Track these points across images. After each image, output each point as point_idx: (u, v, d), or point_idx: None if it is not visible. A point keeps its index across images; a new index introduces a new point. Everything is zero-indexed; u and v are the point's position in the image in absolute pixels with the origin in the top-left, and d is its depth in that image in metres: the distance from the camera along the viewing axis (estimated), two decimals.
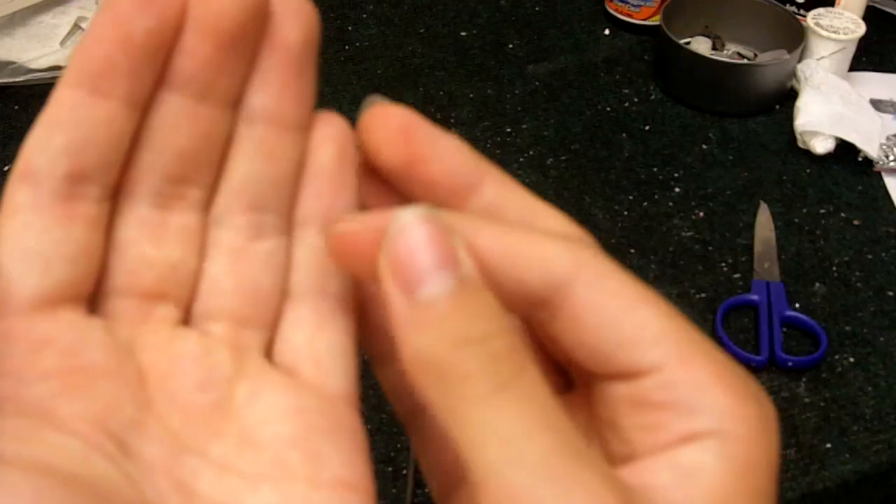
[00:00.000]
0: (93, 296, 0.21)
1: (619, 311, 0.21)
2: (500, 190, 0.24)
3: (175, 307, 0.22)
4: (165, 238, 0.22)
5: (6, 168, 0.83)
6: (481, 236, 0.21)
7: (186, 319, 0.23)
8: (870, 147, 0.83)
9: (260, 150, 0.23)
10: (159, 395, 0.21)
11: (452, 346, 0.19)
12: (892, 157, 0.84)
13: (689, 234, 0.78)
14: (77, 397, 0.19)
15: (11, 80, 0.91)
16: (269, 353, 0.24)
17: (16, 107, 0.90)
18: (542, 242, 0.21)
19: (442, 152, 0.24)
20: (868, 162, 0.84)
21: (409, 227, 0.20)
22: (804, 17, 0.92)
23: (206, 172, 0.22)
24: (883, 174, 0.84)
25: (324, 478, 0.21)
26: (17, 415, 0.19)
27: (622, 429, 0.21)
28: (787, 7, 0.97)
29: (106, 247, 0.21)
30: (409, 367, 0.19)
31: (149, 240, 0.22)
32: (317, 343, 0.25)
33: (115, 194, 0.22)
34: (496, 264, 0.21)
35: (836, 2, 0.93)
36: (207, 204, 0.23)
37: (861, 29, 0.90)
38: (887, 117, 0.90)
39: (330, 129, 0.27)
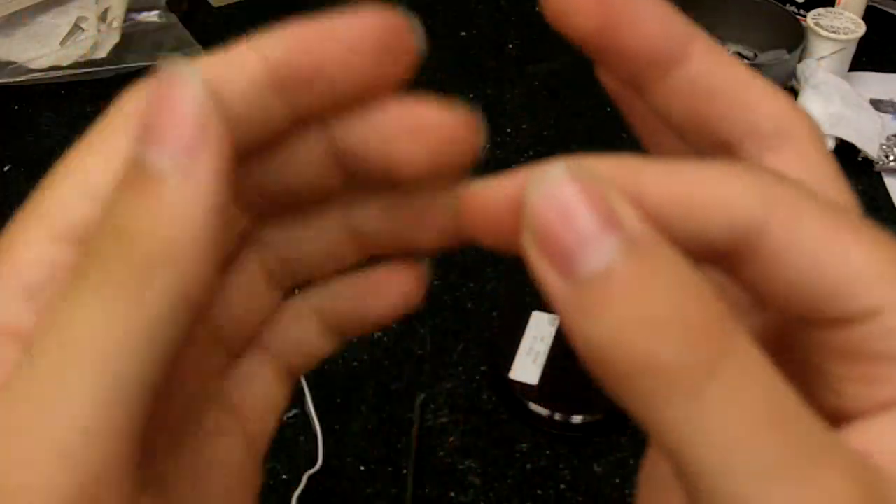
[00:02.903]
0: None
1: (825, 254, 0.17)
2: (708, 61, 0.20)
3: None
4: None
5: (6, 168, 0.83)
6: (644, 182, 0.17)
7: None
8: (870, 147, 0.83)
9: None
10: None
11: (637, 332, 0.15)
12: (892, 157, 0.84)
13: None
14: None
15: (11, 80, 0.91)
16: None
17: (16, 107, 0.90)
18: (721, 181, 0.17)
19: (642, 16, 0.19)
20: (868, 162, 0.84)
21: (551, 189, 0.16)
22: (804, 17, 0.92)
23: None
24: (883, 174, 0.84)
25: None
26: None
27: (835, 380, 0.18)
28: (787, 7, 0.97)
29: None
30: (587, 361, 0.16)
31: None
32: None
33: None
34: (666, 215, 0.17)
35: (836, 2, 0.93)
36: None
37: (861, 29, 0.90)
38: (887, 117, 0.90)
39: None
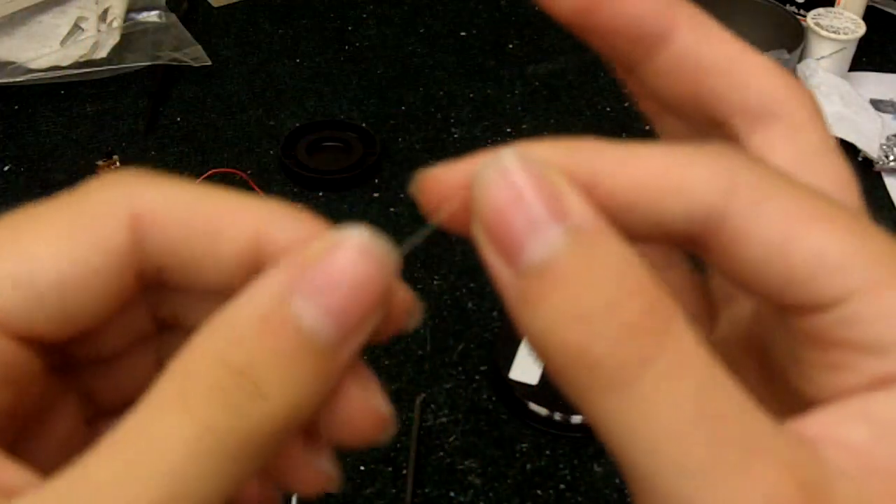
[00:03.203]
0: None
1: (787, 241, 0.16)
2: (695, 37, 0.19)
3: None
4: None
5: (6, 168, 0.83)
6: (601, 167, 0.17)
7: None
8: (870, 147, 0.83)
9: None
10: None
11: (570, 325, 0.15)
12: (892, 157, 0.84)
13: None
14: None
15: (11, 80, 0.91)
16: None
17: (16, 107, 0.90)
18: (681, 167, 0.17)
19: None
20: (868, 162, 0.84)
21: (497, 177, 0.16)
22: (804, 17, 0.92)
23: None
24: (883, 174, 0.84)
25: None
26: None
27: (806, 366, 0.17)
28: (787, 7, 0.97)
29: None
30: (532, 348, 0.16)
31: None
32: None
33: None
34: (622, 201, 0.17)
35: (836, 2, 0.93)
36: None
37: (861, 29, 0.90)
38: (887, 117, 0.90)
39: None
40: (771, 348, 0.19)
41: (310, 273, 0.17)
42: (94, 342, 0.21)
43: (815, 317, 0.17)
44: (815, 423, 0.17)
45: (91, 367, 0.22)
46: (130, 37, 0.96)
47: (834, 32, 0.89)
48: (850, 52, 0.91)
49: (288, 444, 0.19)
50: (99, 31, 0.95)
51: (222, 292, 0.19)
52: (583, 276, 0.15)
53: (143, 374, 0.22)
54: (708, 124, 0.20)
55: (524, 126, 0.89)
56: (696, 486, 0.15)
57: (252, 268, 0.19)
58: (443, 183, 0.18)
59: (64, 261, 0.18)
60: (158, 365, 0.22)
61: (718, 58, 0.19)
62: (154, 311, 0.22)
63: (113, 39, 0.94)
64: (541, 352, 0.16)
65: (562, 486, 0.60)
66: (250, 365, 0.16)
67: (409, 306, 0.19)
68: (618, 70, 0.21)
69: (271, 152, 0.85)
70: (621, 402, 0.15)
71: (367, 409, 0.18)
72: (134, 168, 0.20)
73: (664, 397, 0.15)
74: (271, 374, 0.16)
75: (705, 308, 0.23)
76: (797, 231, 0.16)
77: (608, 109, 0.91)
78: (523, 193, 0.16)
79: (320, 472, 0.20)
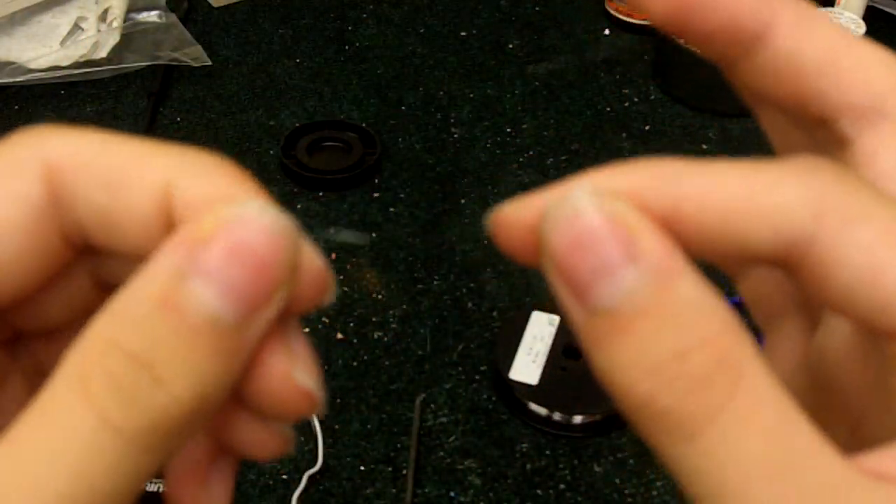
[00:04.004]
0: None
1: (879, 265, 0.15)
2: (796, 34, 0.18)
3: None
4: None
5: None
6: (683, 193, 0.16)
7: None
8: None
9: None
10: None
11: (640, 375, 0.15)
12: None
13: None
14: None
15: (11, 80, 0.91)
16: None
17: (16, 107, 0.90)
18: (768, 188, 0.16)
19: None
20: None
21: (568, 216, 0.16)
22: None
23: None
24: None
25: None
26: None
27: (890, 389, 0.17)
28: None
29: None
30: (603, 384, 0.16)
31: None
32: None
33: None
34: (708, 226, 0.16)
35: (836, 2, 0.93)
36: None
37: (861, 29, 0.90)
38: None
39: None
40: (860, 372, 0.18)
41: (206, 250, 0.16)
42: (36, 312, 0.20)
43: None
44: (892, 459, 0.16)
45: (37, 339, 0.21)
46: (130, 37, 0.96)
47: None
48: None
49: (214, 417, 0.18)
50: (99, 31, 0.95)
51: (145, 249, 0.18)
52: (652, 323, 0.15)
53: None
54: (813, 124, 0.19)
55: (524, 126, 0.89)
56: None
57: (168, 223, 0.18)
58: (516, 222, 0.18)
59: None
60: None
61: (821, 55, 0.18)
62: (95, 275, 0.21)
63: (113, 39, 0.94)
64: (612, 392, 0.16)
65: (562, 486, 0.60)
66: (146, 349, 0.16)
67: (322, 279, 0.18)
68: (718, 63, 0.21)
69: (271, 152, 0.85)
70: (688, 451, 0.15)
71: (288, 382, 0.18)
72: (46, 124, 0.19)
73: (732, 448, 0.15)
74: (169, 358, 0.16)
75: (807, 310, 0.21)
76: (890, 256, 0.16)
77: (608, 109, 0.91)
78: (595, 234, 0.15)
79: (272, 435, 0.19)
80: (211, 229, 0.16)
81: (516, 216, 0.18)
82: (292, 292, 0.17)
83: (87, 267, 0.21)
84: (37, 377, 0.21)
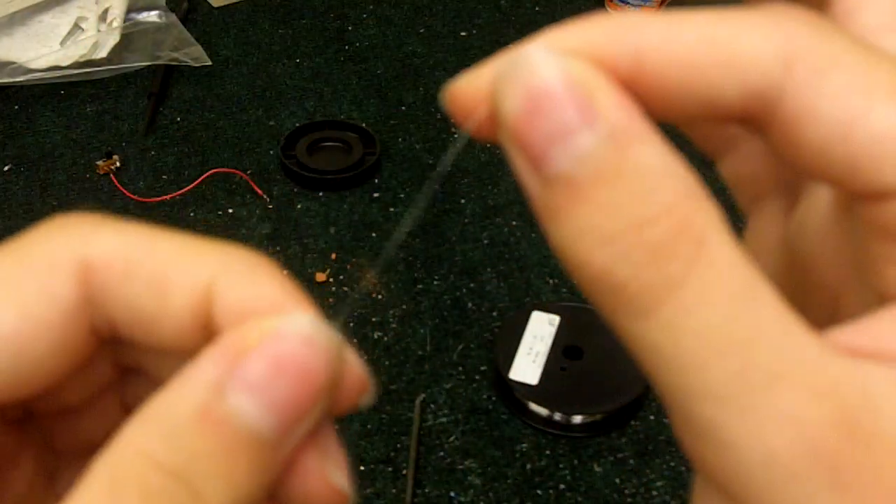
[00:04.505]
0: None
1: (852, 116, 0.14)
2: None
3: None
4: None
5: (6, 168, 0.83)
6: (644, 43, 0.15)
7: None
8: None
9: None
10: None
11: (595, 245, 0.14)
12: None
13: None
14: None
15: (11, 80, 0.91)
16: None
17: (16, 107, 0.90)
18: (734, 35, 0.15)
19: None
20: None
21: (520, 78, 0.14)
22: None
23: None
24: None
25: None
26: None
27: (877, 260, 0.15)
28: None
29: None
30: (558, 256, 0.15)
31: None
32: None
33: None
34: (671, 78, 0.15)
35: None
36: None
37: None
38: None
39: None
40: (838, 247, 0.17)
41: (249, 362, 0.16)
42: (53, 396, 0.20)
43: (882, 205, 0.15)
44: (869, 332, 0.15)
45: (51, 418, 0.21)
46: (130, 37, 0.96)
47: None
48: None
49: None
50: (99, 31, 0.95)
51: (179, 346, 0.18)
52: (609, 189, 0.14)
53: (106, 420, 0.21)
54: None
55: None
56: (718, 411, 0.14)
57: (205, 324, 0.18)
58: (469, 92, 0.16)
59: (12, 317, 0.17)
60: (122, 409, 0.22)
61: None
62: (115, 359, 0.21)
63: (113, 39, 0.94)
64: (567, 265, 0.15)
65: (562, 486, 0.60)
66: (186, 466, 0.15)
67: (362, 385, 0.18)
68: None
69: (271, 152, 0.85)
70: (647, 327, 0.14)
71: (322, 482, 0.17)
72: (82, 212, 0.19)
73: (691, 323, 0.14)
74: (208, 474, 0.15)
75: (788, 189, 0.20)
76: (863, 107, 0.14)
77: None
78: (549, 96, 0.14)
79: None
80: (254, 340, 0.16)
81: (470, 86, 0.16)
82: (332, 400, 0.17)
83: (110, 350, 0.20)
84: (46, 454, 0.21)
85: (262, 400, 0.15)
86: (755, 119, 0.15)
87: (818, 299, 0.18)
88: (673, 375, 0.14)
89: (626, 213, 0.14)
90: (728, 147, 0.21)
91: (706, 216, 0.14)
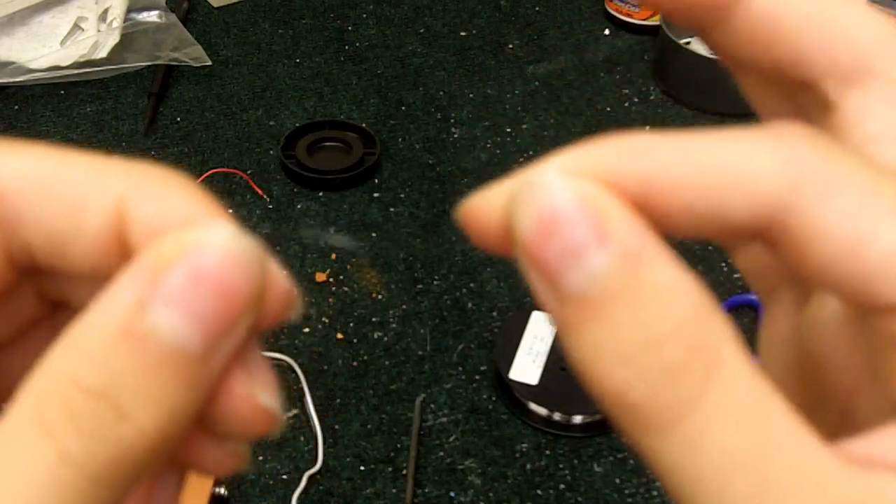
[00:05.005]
0: None
1: (861, 237, 0.15)
2: None
3: None
4: None
5: None
6: (655, 167, 0.15)
7: None
8: None
9: None
10: None
11: (611, 365, 0.14)
12: None
13: None
14: None
15: (11, 80, 0.91)
16: None
17: (16, 107, 0.90)
18: (744, 158, 0.15)
19: None
20: None
21: (534, 199, 0.15)
22: None
23: None
24: None
25: None
26: None
27: (880, 366, 0.16)
28: None
29: None
30: (577, 374, 0.15)
31: None
32: None
33: None
34: (682, 200, 0.15)
35: None
36: None
37: None
38: None
39: None
40: (849, 349, 0.18)
41: (169, 277, 0.15)
42: None
43: (890, 319, 0.15)
44: (884, 443, 0.15)
45: None
46: (130, 37, 0.96)
47: None
48: None
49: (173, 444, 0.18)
50: (99, 31, 0.95)
51: (98, 269, 0.17)
52: (623, 308, 0.14)
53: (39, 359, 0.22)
54: (797, 88, 0.18)
55: (524, 126, 0.89)
56: None
57: (122, 242, 0.18)
58: (483, 212, 0.17)
59: None
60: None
61: (801, 14, 0.17)
62: (41, 291, 0.20)
63: (113, 39, 0.94)
64: (584, 379, 0.15)
65: (562, 486, 0.60)
66: (110, 385, 0.15)
67: (288, 297, 0.18)
68: (694, 30, 0.19)
69: (271, 152, 0.85)
70: (665, 445, 0.14)
71: (250, 404, 0.17)
72: None
73: (708, 440, 0.14)
74: (134, 393, 0.15)
75: (800, 283, 0.21)
76: (870, 227, 0.15)
77: (608, 109, 0.91)
78: (562, 217, 0.15)
79: (227, 453, 0.19)
80: (173, 255, 0.16)
81: (484, 206, 0.17)
82: (257, 314, 0.17)
83: (33, 283, 0.20)
84: None
85: (184, 314, 0.15)
86: (765, 237, 0.16)
87: (832, 396, 0.18)
88: (691, 494, 0.14)
89: (640, 332, 0.14)
90: (739, 242, 0.21)
91: (719, 334, 0.14)
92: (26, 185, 0.18)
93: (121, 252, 0.18)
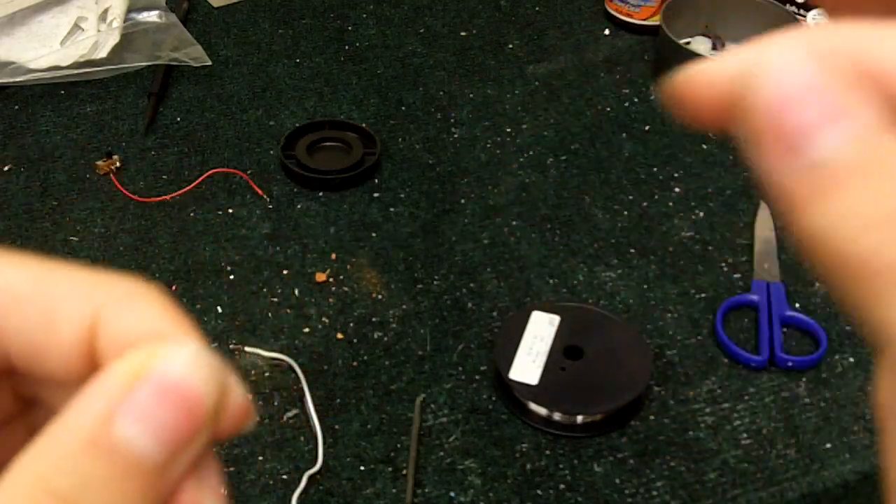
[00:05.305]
0: None
1: None
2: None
3: None
4: None
5: (6, 168, 0.83)
6: (889, 53, 0.16)
7: None
8: None
9: None
10: None
11: (859, 226, 0.14)
12: None
13: (689, 233, 0.78)
14: None
15: (11, 80, 0.91)
16: None
17: (16, 107, 0.90)
18: None
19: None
20: None
21: (783, 69, 0.15)
22: (804, 17, 0.92)
23: None
24: None
25: None
26: None
27: None
28: (787, 7, 0.97)
29: None
30: (805, 245, 0.15)
31: None
32: None
33: None
34: None
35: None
36: None
37: None
38: None
39: None
40: None
41: (135, 392, 0.17)
42: None
43: None
44: None
45: None
46: (130, 37, 0.96)
47: None
48: None
49: None
50: (99, 31, 0.95)
51: (69, 377, 0.19)
52: (869, 178, 0.14)
53: (14, 454, 0.22)
54: None
55: (524, 126, 0.89)
56: None
57: (93, 354, 0.19)
58: (706, 85, 0.17)
59: None
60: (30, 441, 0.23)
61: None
62: (15, 391, 0.21)
63: (113, 39, 0.94)
64: (819, 252, 0.15)
65: (562, 486, 0.60)
66: (77, 491, 0.16)
67: (245, 412, 0.19)
68: None
69: (271, 152, 0.85)
70: None
71: None
72: None
73: None
74: (99, 500, 0.16)
75: None
76: None
77: (608, 109, 0.91)
78: (812, 88, 0.15)
79: None
80: (139, 370, 0.17)
81: (706, 78, 0.17)
82: (215, 427, 0.18)
83: (9, 383, 0.21)
84: None
85: (147, 428, 0.17)
86: None
87: None
88: None
89: (888, 201, 0.14)
90: None
91: None
92: (4, 299, 0.19)
93: (91, 361, 0.19)
